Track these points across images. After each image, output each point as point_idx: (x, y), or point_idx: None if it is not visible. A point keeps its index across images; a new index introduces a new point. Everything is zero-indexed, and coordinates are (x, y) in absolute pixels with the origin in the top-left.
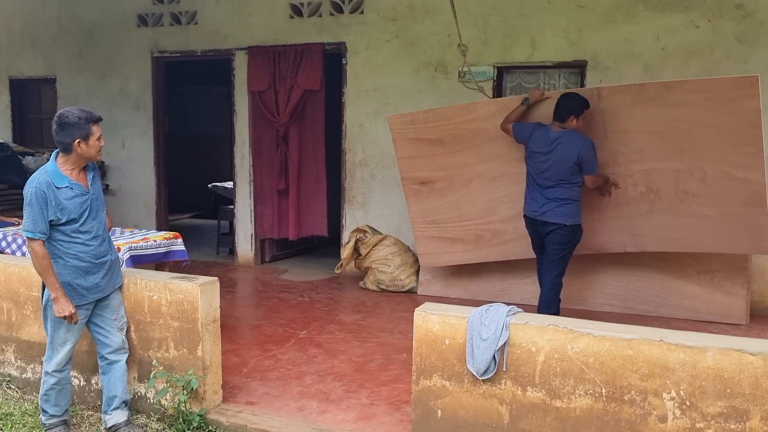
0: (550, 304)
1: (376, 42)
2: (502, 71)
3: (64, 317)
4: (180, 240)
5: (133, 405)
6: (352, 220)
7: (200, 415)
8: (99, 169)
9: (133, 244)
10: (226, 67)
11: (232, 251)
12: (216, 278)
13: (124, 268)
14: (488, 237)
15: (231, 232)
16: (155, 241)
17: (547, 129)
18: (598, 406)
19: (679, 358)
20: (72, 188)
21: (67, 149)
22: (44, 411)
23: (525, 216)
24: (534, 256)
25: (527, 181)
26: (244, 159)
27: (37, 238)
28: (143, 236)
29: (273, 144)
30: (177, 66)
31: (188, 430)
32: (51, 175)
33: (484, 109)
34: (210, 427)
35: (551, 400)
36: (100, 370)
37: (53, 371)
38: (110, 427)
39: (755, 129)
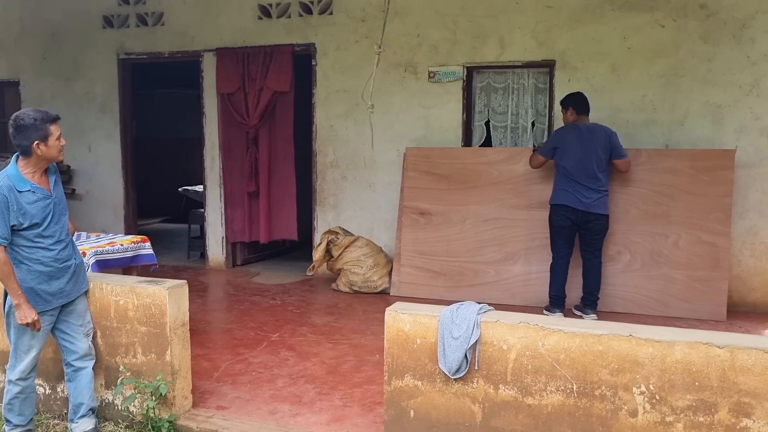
0: (599, 283)
1: (345, 43)
2: (471, 71)
3: (27, 324)
4: (148, 244)
5: (101, 412)
6: (323, 222)
7: (170, 421)
8: (65, 173)
9: (99, 249)
10: (194, 69)
11: (203, 255)
12: (184, 281)
13: (89, 272)
14: (470, 276)
15: (202, 236)
16: (122, 245)
17: (576, 125)
18: (569, 402)
19: (648, 353)
20: (34, 192)
21: (26, 152)
22: (8, 421)
23: (564, 206)
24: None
25: (562, 177)
26: (214, 162)
27: None
28: (109, 240)
29: (243, 146)
30: (145, 68)
31: None
32: (12, 179)
33: (494, 155)
34: None
35: (523, 398)
36: (65, 378)
37: (17, 379)
38: None
39: (727, 197)
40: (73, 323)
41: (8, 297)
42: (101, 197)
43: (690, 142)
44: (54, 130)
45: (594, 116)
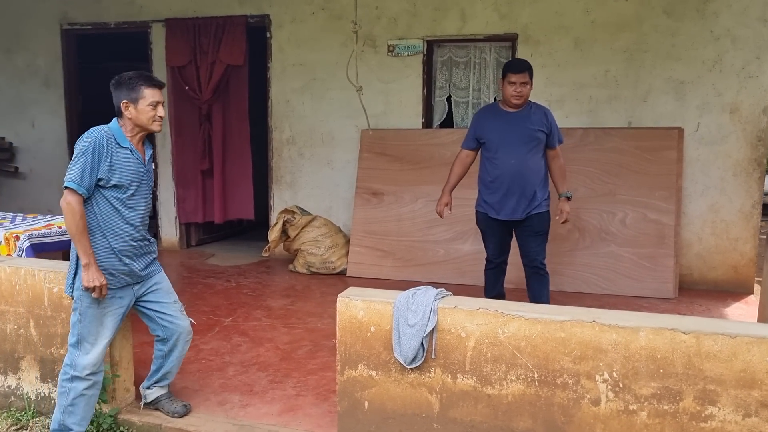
0: None
1: (301, 14)
2: (432, 45)
3: (93, 289)
4: None
5: (37, 406)
6: (280, 201)
7: (111, 416)
8: (7, 150)
9: (34, 232)
10: (143, 41)
11: (156, 236)
12: None
13: (22, 258)
14: (419, 255)
15: (155, 216)
16: (60, 227)
17: None
18: (530, 391)
19: (611, 339)
20: (133, 152)
21: (118, 113)
22: (65, 428)
23: None
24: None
25: None
26: (164, 138)
27: (80, 192)
28: (47, 222)
29: (195, 122)
30: (91, 40)
31: None
32: (114, 131)
33: (446, 135)
34: (122, 428)
35: (482, 387)
36: (158, 353)
37: (88, 374)
38: (152, 402)
39: (671, 175)
40: (165, 302)
41: (77, 278)
42: (46, 176)
43: (653, 119)
44: (149, 94)
45: (557, 92)
